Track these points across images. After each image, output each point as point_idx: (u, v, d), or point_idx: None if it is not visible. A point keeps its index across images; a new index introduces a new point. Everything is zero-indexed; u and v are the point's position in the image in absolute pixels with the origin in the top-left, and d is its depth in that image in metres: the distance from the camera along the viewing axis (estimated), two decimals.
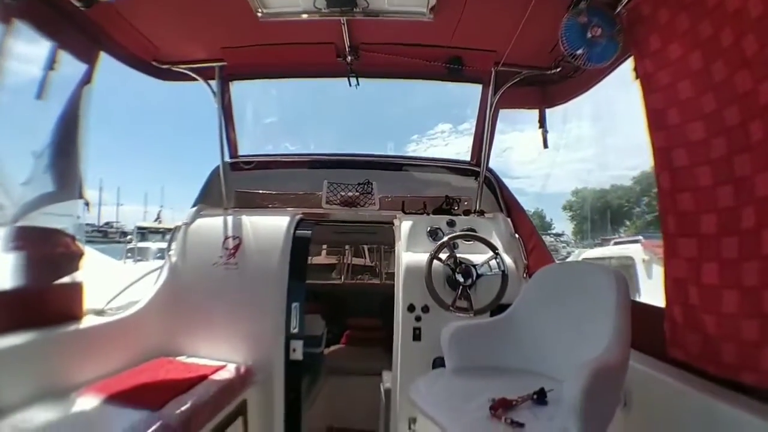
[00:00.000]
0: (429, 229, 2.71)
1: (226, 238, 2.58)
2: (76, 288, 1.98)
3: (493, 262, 2.40)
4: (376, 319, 3.81)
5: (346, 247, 5.61)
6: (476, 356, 1.87)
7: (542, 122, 2.96)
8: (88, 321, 2.00)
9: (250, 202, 3.06)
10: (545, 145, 2.95)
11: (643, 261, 4.62)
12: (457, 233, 2.49)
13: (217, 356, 2.35)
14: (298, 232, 2.66)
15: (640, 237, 5.20)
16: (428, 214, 2.88)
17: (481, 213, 2.98)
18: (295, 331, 2.43)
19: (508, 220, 2.84)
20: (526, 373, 1.78)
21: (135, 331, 2.25)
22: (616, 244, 5.97)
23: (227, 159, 2.99)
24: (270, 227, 2.62)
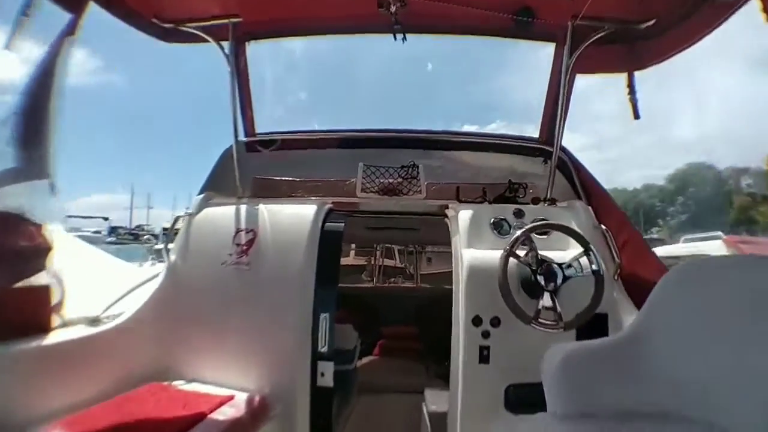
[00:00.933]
0: (493, 220, 2.15)
1: (238, 231, 2.09)
2: (41, 293, 1.52)
3: (583, 260, 1.81)
4: (412, 327, 3.33)
5: (377, 246, 5.09)
6: (595, 394, 1.29)
7: (632, 88, 2.33)
8: (57, 335, 1.54)
9: (270, 190, 2.56)
10: (636, 115, 2.32)
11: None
12: (536, 223, 1.91)
13: (223, 382, 1.86)
14: (327, 224, 2.14)
15: (720, 232, 4.43)
16: (489, 202, 2.30)
17: (553, 201, 2.38)
18: (324, 350, 1.91)
19: (589, 208, 2.24)
20: (672, 420, 1.20)
21: (119, 349, 1.78)
22: (686, 241, 5.18)
23: (242, 138, 2.50)
24: (292, 217, 2.11)
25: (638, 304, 1.96)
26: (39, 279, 1.49)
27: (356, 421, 2.62)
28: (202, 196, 2.29)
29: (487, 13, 2.08)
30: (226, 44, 2.19)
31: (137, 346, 1.85)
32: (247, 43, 2.33)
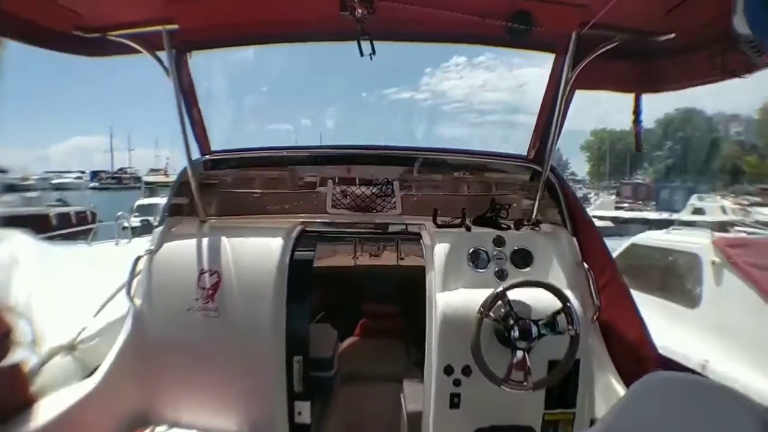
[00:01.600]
0: (471, 250, 2.02)
1: (202, 272, 1.93)
2: (11, 372, 1.44)
3: (561, 318, 1.72)
4: (393, 305, 3.25)
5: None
6: None
7: (637, 114, 2.08)
8: (37, 415, 1.46)
9: (236, 207, 2.37)
10: (638, 147, 2.12)
11: (712, 264, 3.79)
12: (516, 281, 1.78)
13: (204, 424, 1.86)
14: (297, 252, 2.01)
15: (709, 230, 4.33)
16: (467, 226, 2.15)
17: (537, 224, 2.23)
18: (300, 390, 1.90)
19: (574, 241, 2.11)
20: None
21: (99, 410, 1.72)
22: (675, 229, 5.09)
23: (197, 157, 2.24)
24: (258, 253, 1.96)
25: (612, 354, 1.92)
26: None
27: (336, 415, 2.66)
28: (161, 228, 2.08)
29: (476, 19, 1.75)
30: (164, 55, 1.85)
31: (116, 403, 1.80)
32: (188, 53, 1.98)
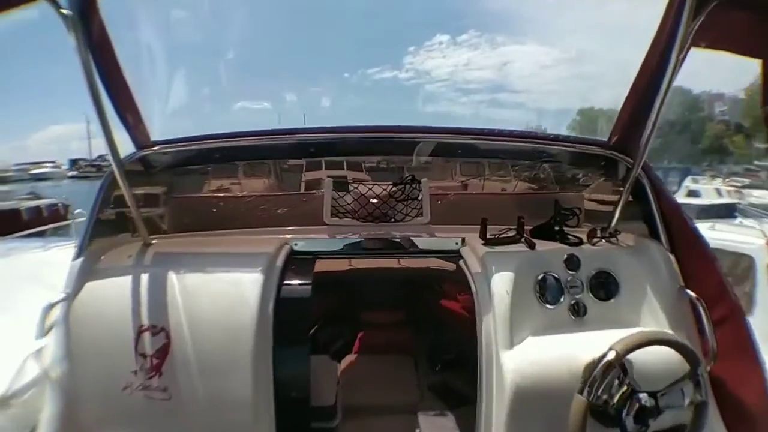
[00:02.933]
0: (539, 277, 1.42)
1: (141, 330, 1.27)
2: None
3: (688, 388, 1.14)
4: (395, 312, 2.61)
5: None
6: None
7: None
8: None
9: (196, 220, 1.70)
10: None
11: None
12: (630, 340, 1.18)
13: None
14: (286, 287, 1.37)
15: (759, 230, 3.77)
16: (529, 241, 1.52)
17: (614, 235, 1.62)
18: None
19: (672, 258, 1.52)
20: None
21: None
22: (712, 229, 4.48)
23: (132, 152, 1.56)
24: (226, 293, 1.32)
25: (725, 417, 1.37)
26: None
27: None
28: (80, 261, 1.39)
29: None
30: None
31: None
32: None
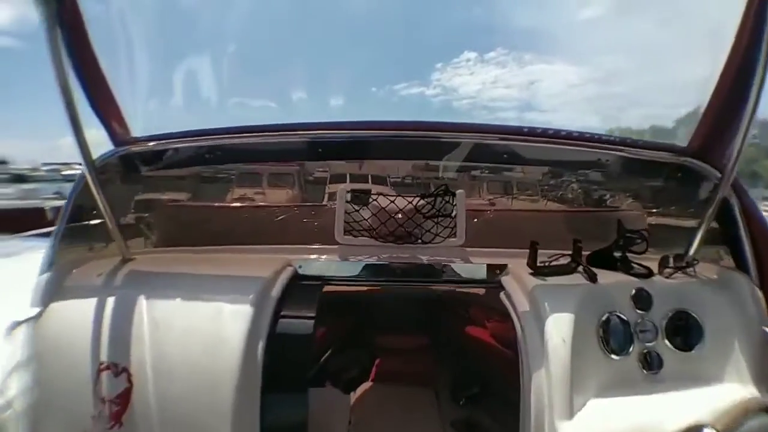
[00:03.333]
0: (603, 318, 1.13)
1: (101, 368, 1.02)
2: None
3: None
4: (416, 337, 2.27)
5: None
6: None
7: None
8: None
9: (190, 233, 1.43)
10: None
11: None
12: (738, 411, 0.89)
13: None
14: (284, 321, 1.12)
15: None
16: (588, 271, 1.22)
17: (691, 265, 1.32)
18: None
19: (760, 296, 1.21)
20: None
21: None
22: None
23: (110, 149, 1.32)
24: (203, 328, 1.05)
25: None
26: None
27: None
28: (46, 277, 1.15)
29: None
30: None
31: None
32: None
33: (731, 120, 1.21)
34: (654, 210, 1.46)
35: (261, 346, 1.05)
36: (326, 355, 2.02)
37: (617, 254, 1.31)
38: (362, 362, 2.15)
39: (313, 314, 1.18)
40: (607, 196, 1.49)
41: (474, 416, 1.72)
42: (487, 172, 1.69)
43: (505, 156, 1.40)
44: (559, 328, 1.08)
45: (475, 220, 1.42)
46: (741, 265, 1.29)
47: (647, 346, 1.14)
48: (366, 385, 2.07)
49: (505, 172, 1.61)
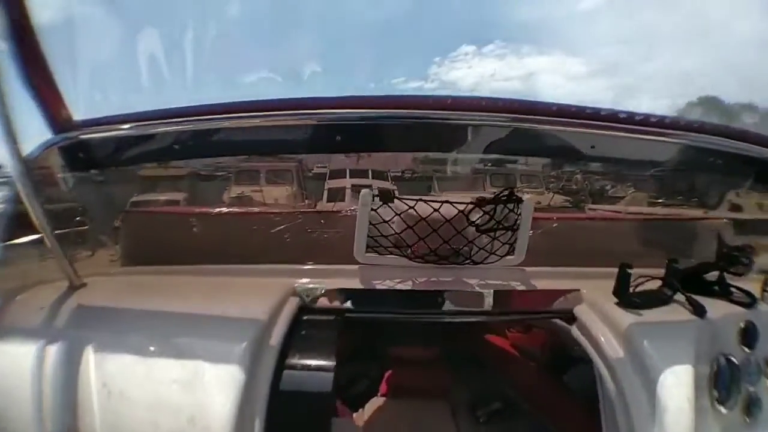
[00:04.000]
0: (716, 366, 0.89)
1: None
2: None
3: None
4: (432, 348, 2.05)
5: None
6: None
7: None
8: None
9: (161, 247, 1.07)
10: None
11: None
12: None
13: None
14: (289, 374, 0.84)
15: None
16: (693, 302, 0.93)
17: None
18: None
19: None
20: None
21: None
22: None
23: (49, 138, 0.94)
24: (173, 399, 0.72)
25: None
26: None
27: None
28: None
29: None
30: None
31: None
32: None
33: None
34: (747, 218, 1.19)
35: (258, 425, 0.72)
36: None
37: (719, 276, 1.05)
38: (371, 375, 1.91)
39: (331, 363, 0.86)
40: (694, 200, 1.21)
41: None
42: (524, 165, 1.40)
43: (558, 146, 1.10)
44: (678, 384, 0.80)
45: (537, 232, 1.11)
46: None
47: (751, 390, 0.92)
48: (376, 401, 1.82)
49: (559, 169, 1.31)
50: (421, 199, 0.98)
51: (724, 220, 1.19)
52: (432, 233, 0.99)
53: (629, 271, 0.94)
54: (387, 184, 1.75)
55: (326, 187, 1.85)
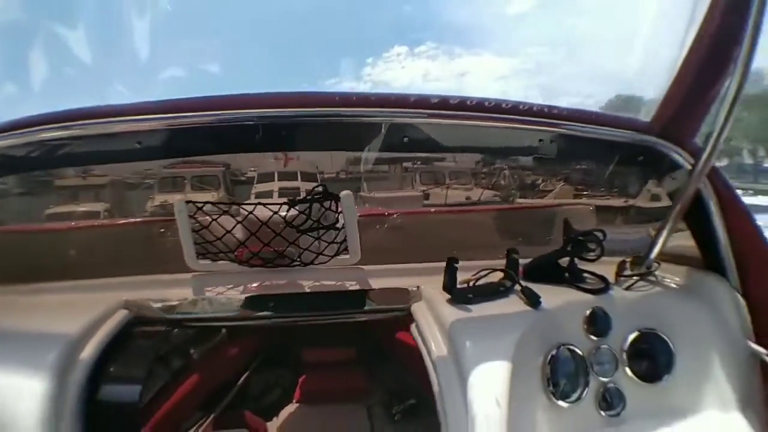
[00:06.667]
0: (550, 355, 0.84)
1: None
2: None
3: None
4: (345, 349, 2.00)
5: None
6: None
7: None
8: None
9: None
10: None
11: None
12: None
13: None
14: (107, 389, 0.85)
15: None
16: (526, 291, 0.90)
17: (652, 273, 1.00)
18: None
19: (743, 304, 0.96)
20: None
21: None
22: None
23: None
24: None
25: None
26: None
27: None
28: None
29: None
30: None
31: None
32: None
33: (706, 92, 0.90)
34: (605, 203, 1.14)
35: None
36: (243, 377, 1.75)
37: (563, 262, 0.99)
38: (283, 382, 1.84)
39: (140, 374, 0.82)
40: (548, 186, 1.14)
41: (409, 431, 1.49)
42: (452, 162, 1.34)
43: (412, 139, 1.02)
44: (490, 384, 0.75)
45: (378, 227, 1.05)
46: (715, 266, 1.01)
47: (605, 381, 0.87)
48: (290, 408, 1.76)
49: (413, 161, 1.24)
50: (234, 203, 0.91)
51: (590, 207, 1.14)
52: (251, 237, 0.92)
53: (456, 265, 0.88)
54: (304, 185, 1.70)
55: (253, 191, 1.80)
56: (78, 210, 1.21)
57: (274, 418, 1.60)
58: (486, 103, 0.97)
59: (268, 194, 1.64)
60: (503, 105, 1.00)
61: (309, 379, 1.82)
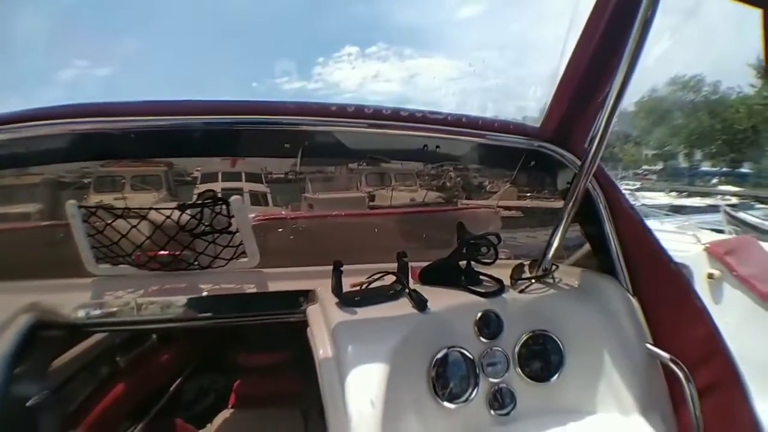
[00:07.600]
0: (435, 359, 0.86)
1: None
2: None
3: None
4: (279, 353, 1.91)
5: None
6: None
7: None
8: None
9: None
10: None
11: (708, 277, 2.68)
12: None
13: None
14: (15, 390, 0.81)
15: (700, 237, 3.18)
16: (413, 294, 0.93)
17: (549, 272, 1.04)
18: None
19: (635, 304, 1.00)
20: None
21: None
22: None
23: None
24: None
25: None
26: None
27: None
28: None
29: None
30: None
31: None
32: None
33: (590, 98, 0.95)
34: (507, 206, 1.18)
35: None
36: (175, 384, 1.72)
37: (459, 266, 1.02)
38: (218, 387, 1.85)
39: (42, 378, 0.82)
40: (455, 191, 1.18)
41: None
42: (398, 164, 1.36)
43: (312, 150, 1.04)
44: (366, 386, 0.76)
45: (280, 230, 1.06)
46: (608, 268, 1.05)
47: (496, 382, 0.90)
48: (224, 413, 1.76)
49: (320, 166, 1.27)
50: (127, 208, 0.91)
51: (495, 211, 1.17)
52: (146, 240, 0.92)
53: (342, 269, 0.90)
54: (261, 187, 1.68)
55: (195, 191, 1.77)
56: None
57: (208, 425, 1.58)
58: (384, 111, 1.00)
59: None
60: (391, 112, 1.03)
61: (244, 384, 1.81)
